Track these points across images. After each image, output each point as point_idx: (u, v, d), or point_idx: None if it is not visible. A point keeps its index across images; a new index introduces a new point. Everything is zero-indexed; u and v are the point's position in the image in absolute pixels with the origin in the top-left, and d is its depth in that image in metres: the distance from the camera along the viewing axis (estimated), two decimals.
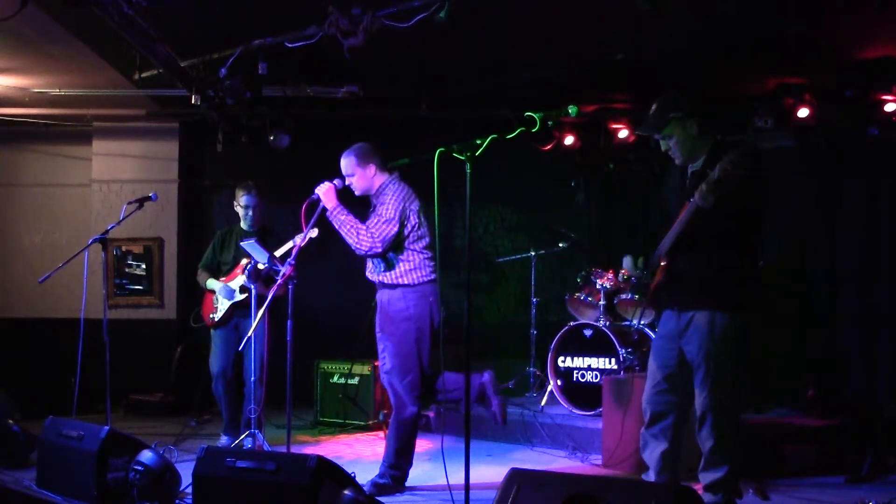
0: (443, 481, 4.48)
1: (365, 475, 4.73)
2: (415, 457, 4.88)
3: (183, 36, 5.95)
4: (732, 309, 3.84)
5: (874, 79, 6.35)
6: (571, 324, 6.44)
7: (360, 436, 6.73)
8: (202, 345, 6.58)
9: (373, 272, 4.86)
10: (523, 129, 4.05)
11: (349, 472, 3.73)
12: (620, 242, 8.13)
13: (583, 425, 5.97)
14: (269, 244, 5.53)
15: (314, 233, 5.06)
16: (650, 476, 4.04)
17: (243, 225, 6.09)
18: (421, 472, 5.01)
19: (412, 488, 4.81)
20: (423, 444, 4.93)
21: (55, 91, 7.11)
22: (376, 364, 6.84)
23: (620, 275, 6.49)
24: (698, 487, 3.83)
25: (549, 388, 6.45)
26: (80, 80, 6.94)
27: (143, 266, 8.39)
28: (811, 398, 6.07)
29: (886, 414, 5.52)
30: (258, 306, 5.23)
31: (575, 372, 6.34)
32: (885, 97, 6.36)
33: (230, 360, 5.96)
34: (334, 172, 4.87)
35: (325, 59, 5.70)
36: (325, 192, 4.74)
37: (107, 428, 4.26)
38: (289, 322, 4.72)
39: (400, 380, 4.74)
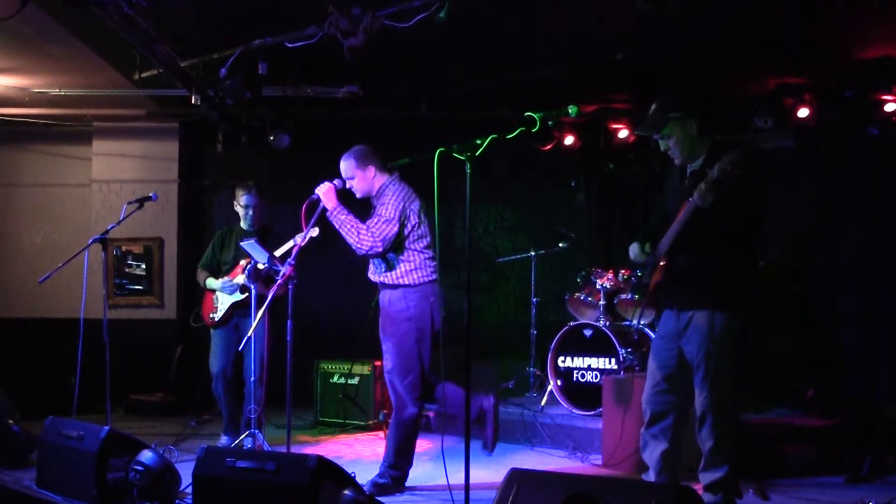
0: (443, 481, 4.48)
1: (365, 475, 4.73)
2: (415, 457, 4.88)
3: (183, 36, 5.95)
4: (732, 309, 3.84)
5: (874, 79, 6.35)
6: (571, 324, 6.44)
7: (360, 436, 6.73)
8: (202, 345, 6.57)
9: (374, 273, 4.87)
10: (523, 129, 4.05)
11: (349, 472, 3.73)
12: (620, 242, 8.11)
13: (583, 425, 5.97)
14: (269, 244, 5.53)
15: (314, 232, 5.06)
16: (650, 476, 4.05)
17: (243, 225, 6.09)
18: (421, 472, 5.01)
19: (412, 488, 4.81)
20: (423, 444, 4.94)
21: (55, 91, 7.11)
22: (376, 364, 6.90)
23: (620, 275, 6.50)
24: (698, 487, 3.83)
25: (549, 388, 6.45)
26: (80, 80, 6.94)
27: (143, 266, 8.39)
28: (811, 398, 6.07)
29: (886, 414, 5.52)
30: (258, 306, 5.23)
31: (575, 372, 6.34)
32: (885, 97, 6.36)
33: (230, 360, 5.96)
34: (334, 172, 4.87)
35: (325, 59, 5.70)
36: (325, 192, 4.75)
37: (107, 428, 4.26)
38: (289, 322, 4.72)
39: (400, 380, 4.74)
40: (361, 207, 4.89)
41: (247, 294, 5.65)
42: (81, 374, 5.28)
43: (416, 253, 4.75)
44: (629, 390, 5.30)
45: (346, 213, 4.72)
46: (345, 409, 7.00)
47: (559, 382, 6.37)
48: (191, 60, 6.16)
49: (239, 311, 5.92)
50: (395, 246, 4.73)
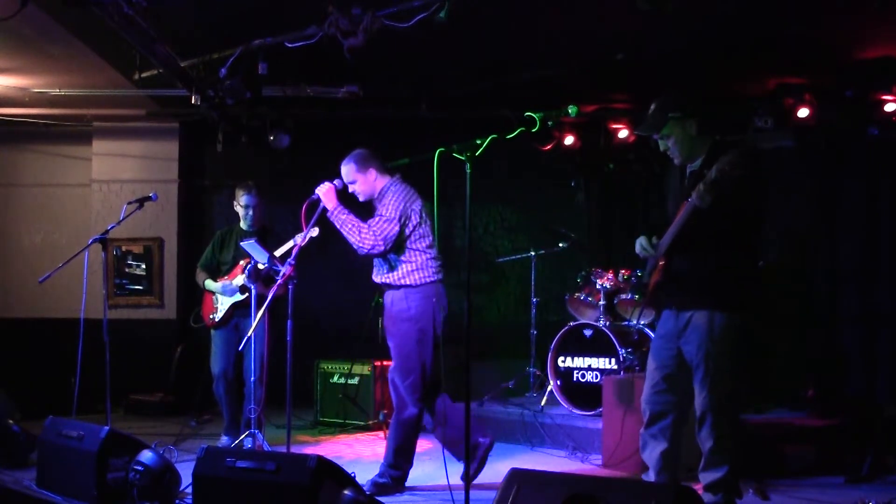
0: (443, 481, 4.48)
1: (365, 475, 4.73)
2: (415, 457, 4.87)
3: (183, 36, 5.95)
4: (731, 309, 3.84)
5: (874, 79, 6.36)
6: (571, 324, 6.44)
7: (360, 436, 6.73)
8: (202, 345, 6.58)
9: (377, 274, 4.87)
10: (523, 129, 4.05)
11: (349, 472, 3.73)
12: (620, 242, 8.14)
13: (583, 425, 5.97)
14: (269, 244, 5.53)
15: (314, 232, 5.06)
16: (650, 476, 4.04)
17: (243, 225, 6.09)
18: (421, 472, 5.01)
19: (412, 488, 4.81)
20: (423, 444, 4.93)
21: (55, 91, 7.11)
22: (376, 364, 6.91)
23: (620, 275, 6.50)
24: (698, 487, 3.83)
25: (549, 388, 6.45)
26: (80, 80, 6.94)
27: (143, 266, 8.39)
28: (811, 398, 6.07)
29: (886, 414, 5.52)
30: (258, 306, 5.23)
31: (575, 372, 6.34)
32: (885, 97, 6.36)
33: (231, 361, 5.96)
34: (334, 172, 4.87)
35: (325, 59, 5.70)
36: (325, 192, 4.75)
37: (107, 428, 4.26)
38: (289, 322, 4.72)
39: (402, 380, 4.75)
40: (362, 208, 4.89)
41: (247, 294, 5.65)
42: (81, 374, 5.28)
43: (417, 253, 4.75)
44: (629, 390, 5.30)
45: (346, 212, 4.73)
46: (345, 409, 7.00)
47: (559, 382, 6.37)
48: (191, 60, 6.16)
49: (239, 312, 5.92)
50: (396, 246, 4.73)
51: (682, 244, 3.86)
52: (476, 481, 4.65)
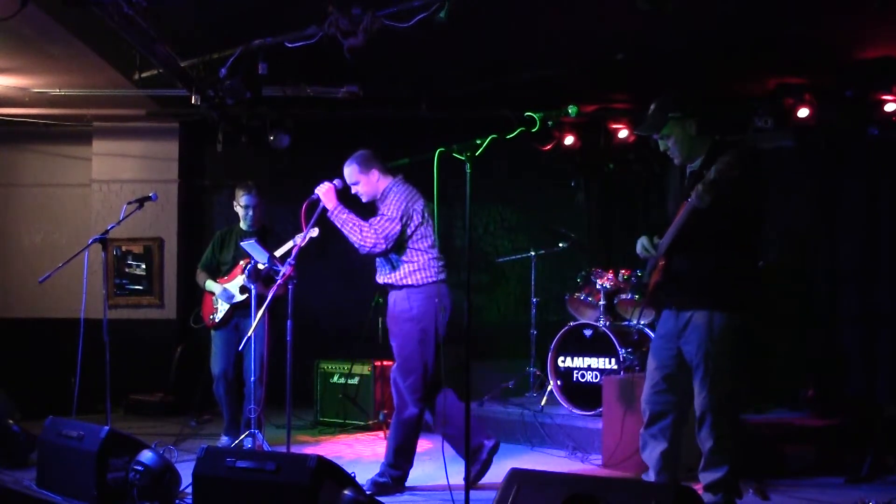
0: (443, 481, 4.48)
1: (365, 475, 4.73)
2: (415, 457, 4.87)
3: (183, 36, 5.95)
4: (731, 309, 3.84)
5: (874, 79, 6.36)
6: (571, 324, 6.44)
7: (360, 436, 6.73)
8: (202, 345, 6.58)
9: (380, 275, 4.87)
10: (523, 129, 4.05)
11: (349, 472, 3.73)
12: (620, 242, 8.14)
13: (583, 425, 5.97)
14: (269, 244, 5.53)
15: (314, 232, 5.06)
16: (650, 476, 4.04)
17: (243, 225, 6.09)
18: (421, 472, 5.01)
19: (412, 488, 4.81)
20: (423, 444, 4.93)
21: (55, 91, 7.11)
22: (376, 364, 6.90)
23: (620, 275, 6.50)
24: (698, 487, 3.83)
25: (549, 388, 6.45)
26: (80, 80, 6.94)
27: (143, 266, 8.39)
28: (811, 398, 6.07)
29: (886, 414, 5.52)
30: (258, 306, 5.23)
31: (575, 372, 6.34)
32: (885, 97, 6.36)
33: (231, 361, 5.96)
34: (334, 172, 4.87)
35: (325, 59, 5.70)
36: (324, 192, 4.75)
37: (107, 428, 4.25)
38: (289, 322, 4.72)
39: (403, 380, 4.75)
40: (363, 209, 4.89)
41: (247, 295, 5.65)
42: (81, 374, 5.28)
43: (419, 253, 4.75)
44: (629, 390, 5.29)
45: (347, 212, 4.73)
46: (345, 409, 7.00)
47: (559, 382, 6.37)
48: (191, 60, 6.16)
49: (239, 312, 5.92)
50: (398, 246, 4.73)
51: (682, 244, 3.86)
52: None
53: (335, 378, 7.10)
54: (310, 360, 7.10)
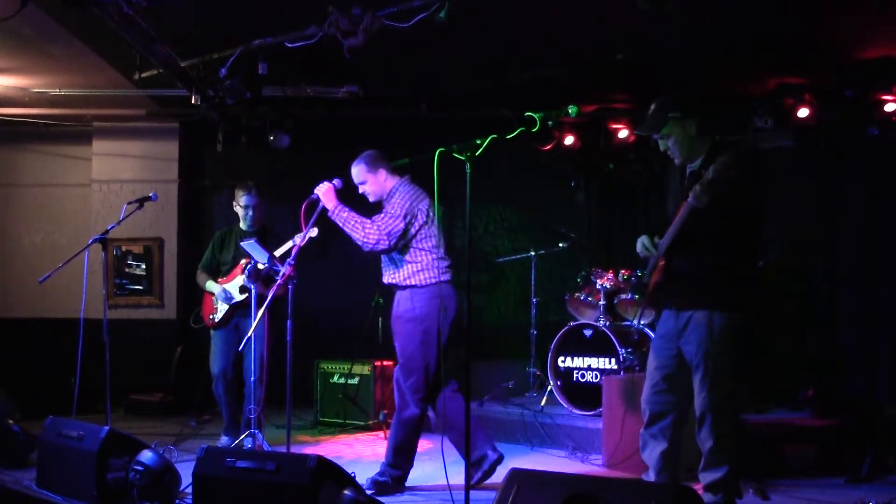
0: (443, 481, 4.48)
1: (365, 475, 4.73)
2: (415, 457, 4.87)
3: (183, 36, 5.95)
4: (731, 309, 3.84)
5: (874, 79, 6.35)
6: (571, 324, 6.44)
7: (360, 436, 6.73)
8: (202, 345, 6.57)
9: (385, 275, 4.88)
10: (523, 129, 4.05)
11: (349, 472, 3.73)
12: (620, 242, 8.13)
13: (583, 425, 5.97)
14: (269, 244, 5.53)
15: (314, 232, 5.06)
16: (650, 476, 4.04)
17: (243, 225, 6.09)
18: (421, 472, 5.01)
19: (412, 488, 4.81)
20: (423, 444, 4.93)
21: (55, 91, 7.11)
22: (376, 364, 6.90)
23: (620, 275, 6.49)
24: (698, 487, 3.83)
25: (549, 388, 6.45)
26: (80, 80, 6.94)
27: (143, 266, 8.39)
28: (811, 398, 6.06)
29: (886, 414, 5.52)
30: (258, 306, 5.23)
31: (575, 372, 6.34)
32: (885, 97, 6.36)
33: (230, 361, 5.96)
34: (334, 172, 4.87)
35: (325, 59, 5.70)
36: (324, 192, 4.75)
37: (107, 428, 4.25)
38: (289, 322, 4.72)
39: (404, 380, 4.76)
40: (365, 209, 4.89)
41: (246, 295, 5.65)
42: (81, 374, 5.28)
43: (423, 253, 4.74)
44: (629, 390, 5.29)
45: (347, 210, 4.73)
46: (345, 409, 7.00)
47: (559, 382, 6.37)
48: (191, 60, 6.16)
49: (239, 312, 5.92)
50: (402, 246, 4.73)
51: (682, 244, 3.86)
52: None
53: (335, 378, 7.10)
54: (310, 360, 7.10)
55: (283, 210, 7.27)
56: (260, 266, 5.39)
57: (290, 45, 5.49)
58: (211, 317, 6.04)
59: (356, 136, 7.89)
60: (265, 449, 5.18)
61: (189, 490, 3.94)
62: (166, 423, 6.98)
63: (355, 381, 7.01)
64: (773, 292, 6.49)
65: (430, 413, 4.87)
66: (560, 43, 6.15)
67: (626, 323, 6.52)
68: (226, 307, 5.94)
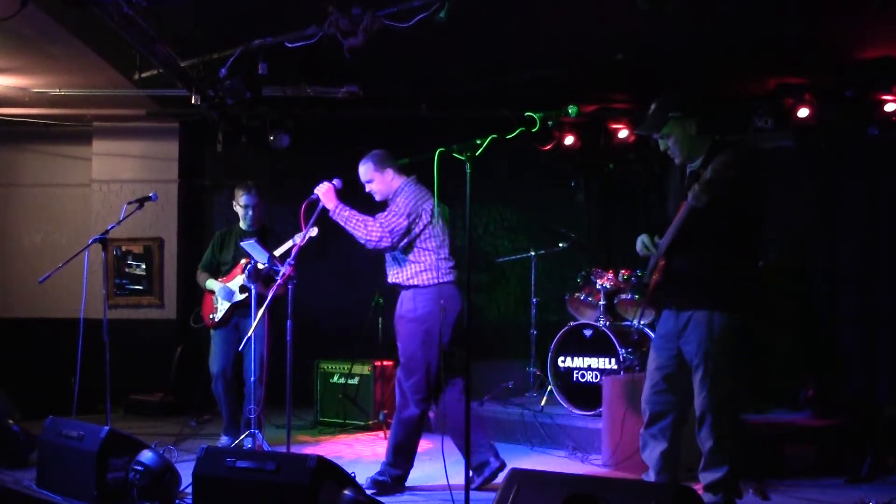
0: (443, 481, 4.48)
1: (365, 475, 4.73)
2: (415, 457, 4.87)
3: (183, 36, 5.95)
4: (731, 308, 3.84)
5: (874, 79, 6.35)
6: (571, 324, 6.44)
7: (360, 436, 6.73)
8: (202, 345, 6.57)
9: (389, 274, 4.88)
10: (523, 129, 4.05)
11: (349, 472, 3.73)
12: (620, 242, 8.13)
13: (583, 425, 5.97)
14: (269, 244, 5.53)
15: (314, 232, 5.06)
16: (650, 476, 4.04)
17: (243, 225, 6.09)
18: (421, 473, 5.01)
19: (412, 488, 4.81)
20: (423, 444, 4.93)
21: (55, 91, 7.11)
22: (376, 364, 6.90)
23: (620, 275, 6.50)
24: (698, 487, 3.83)
25: (549, 388, 6.45)
26: (80, 80, 6.94)
27: (143, 266, 8.39)
28: (811, 398, 6.06)
29: (886, 414, 5.52)
30: (258, 306, 5.23)
31: (575, 372, 6.34)
32: (885, 97, 6.36)
33: (230, 360, 5.96)
34: (334, 172, 4.87)
35: (325, 59, 5.70)
36: (324, 192, 4.75)
37: (107, 428, 4.25)
38: (289, 322, 4.72)
39: (405, 379, 4.76)
40: (364, 208, 4.89)
41: (246, 294, 5.65)
42: (81, 374, 5.28)
43: (427, 253, 4.73)
44: (629, 390, 5.29)
45: (348, 209, 4.73)
46: (345, 409, 7.00)
47: (559, 382, 6.37)
48: (191, 60, 6.16)
49: (239, 312, 5.92)
50: (406, 245, 4.73)
51: (681, 244, 3.86)
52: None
53: (335, 378, 7.10)
54: (310, 360, 7.10)
55: (283, 210, 7.27)
56: (260, 266, 5.39)
57: (290, 45, 5.49)
58: (211, 316, 6.03)
59: (356, 136, 7.89)
60: (265, 449, 5.18)
61: (189, 490, 3.94)
62: (166, 423, 6.98)
63: (355, 381, 7.01)
64: (773, 292, 6.49)
65: (430, 413, 4.88)
66: (560, 43, 6.15)
67: (626, 323, 6.52)
68: (226, 306, 5.93)
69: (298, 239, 4.97)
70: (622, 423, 5.23)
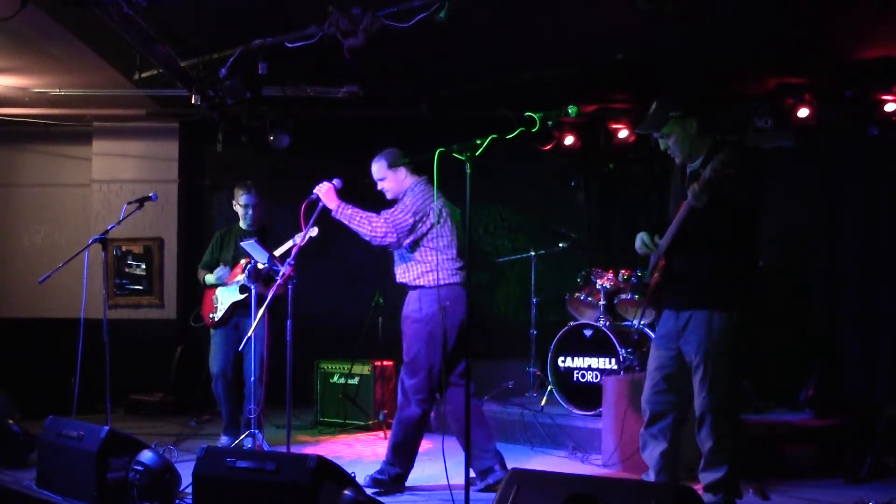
0: (443, 481, 4.48)
1: (365, 475, 4.72)
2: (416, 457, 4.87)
3: (183, 36, 5.95)
4: (730, 308, 3.84)
5: (874, 79, 6.35)
6: (571, 324, 6.44)
7: (360, 436, 6.73)
8: (202, 345, 6.57)
9: (397, 273, 4.87)
10: (523, 129, 4.04)
11: (349, 472, 3.73)
12: (620, 242, 8.12)
13: (583, 425, 5.97)
14: (269, 244, 5.53)
15: (314, 232, 5.06)
16: (650, 476, 4.04)
17: (242, 224, 6.09)
18: (421, 473, 5.00)
19: (412, 488, 4.81)
20: (423, 444, 4.92)
21: (55, 91, 7.11)
22: (376, 364, 6.90)
23: (620, 275, 6.49)
24: (698, 487, 3.83)
25: (549, 388, 6.45)
26: (80, 80, 6.94)
27: (143, 266, 8.39)
28: (811, 398, 6.06)
29: (886, 414, 5.51)
30: (258, 306, 5.23)
31: (575, 372, 6.34)
32: (885, 97, 6.36)
33: (230, 360, 5.96)
34: (334, 172, 4.87)
35: (325, 59, 5.70)
36: (324, 192, 4.74)
37: (107, 428, 4.25)
38: (289, 322, 4.72)
39: (408, 379, 4.76)
40: (365, 207, 4.88)
41: (247, 294, 5.65)
42: (81, 374, 5.27)
43: (434, 253, 4.72)
44: (629, 390, 5.29)
45: (351, 207, 4.72)
46: (345, 409, 7.00)
47: (559, 382, 6.37)
48: (191, 60, 6.16)
49: (239, 311, 5.92)
50: (412, 244, 4.72)
51: (681, 243, 3.86)
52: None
53: (335, 378, 7.10)
54: (310, 360, 7.10)
55: (283, 210, 7.25)
56: (260, 266, 5.39)
57: (290, 45, 5.49)
58: (211, 316, 6.04)
59: (356, 136, 7.90)
60: (265, 449, 5.18)
61: (189, 490, 3.94)
62: (166, 423, 6.98)
63: (355, 381, 7.01)
64: (773, 292, 6.49)
65: (431, 413, 4.88)
66: (560, 43, 6.15)
67: (626, 323, 6.52)
68: (227, 304, 5.92)
69: (299, 239, 4.97)
70: (622, 423, 5.23)
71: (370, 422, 6.85)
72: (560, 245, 7.20)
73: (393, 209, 4.72)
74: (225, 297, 5.97)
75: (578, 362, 6.32)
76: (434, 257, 4.72)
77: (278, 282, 4.87)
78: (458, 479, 4.06)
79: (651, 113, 4.04)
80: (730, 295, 3.85)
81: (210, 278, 6.03)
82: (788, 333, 6.70)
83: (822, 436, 5.48)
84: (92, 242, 5.42)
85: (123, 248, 8.35)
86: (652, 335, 5.83)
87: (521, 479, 3.09)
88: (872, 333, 6.61)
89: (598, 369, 6.21)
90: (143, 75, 6.57)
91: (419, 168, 4.85)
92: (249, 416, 5.37)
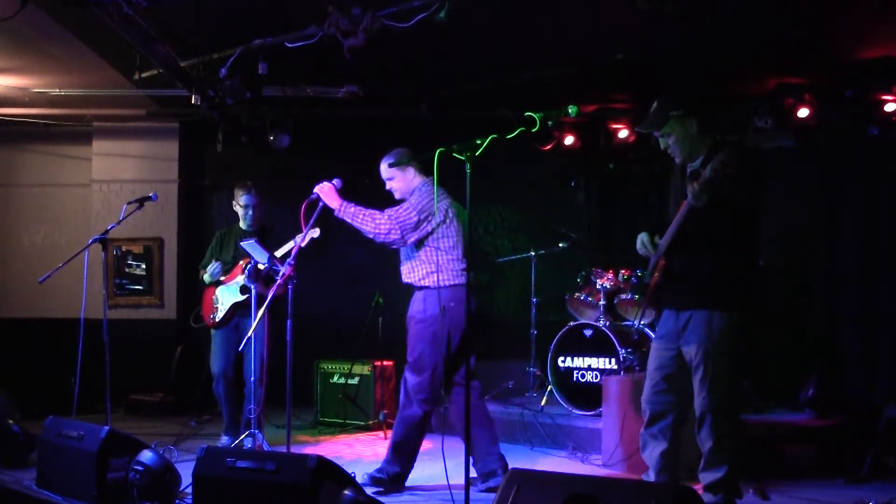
0: (443, 481, 4.48)
1: (364, 474, 4.72)
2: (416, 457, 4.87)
3: (183, 36, 5.95)
4: (730, 308, 3.84)
5: (874, 79, 6.35)
6: (571, 324, 6.44)
7: (360, 436, 6.73)
8: (202, 345, 6.57)
9: (403, 273, 4.87)
10: (523, 129, 4.04)
11: (349, 472, 3.73)
12: (620, 242, 8.12)
13: (583, 425, 5.97)
14: (269, 244, 5.53)
15: (315, 232, 5.06)
16: (650, 476, 4.04)
17: (242, 225, 6.09)
18: (421, 473, 5.00)
19: (412, 488, 4.81)
20: (423, 444, 4.93)
21: (55, 91, 7.11)
22: (376, 364, 6.90)
23: (620, 275, 6.49)
24: (698, 487, 3.83)
25: (549, 388, 6.45)
26: (80, 80, 6.94)
27: (143, 266, 8.39)
28: (811, 398, 6.07)
29: (886, 414, 5.51)
30: (258, 306, 5.23)
31: (575, 372, 6.34)
32: (885, 97, 6.36)
33: (231, 361, 5.96)
34: (334, 172, 4.87)
35: (325, 59, 5.70)
36: (325, 192, 4.73)
37: (107, 428, 4.25)
38: (289, 322, 4.71)
39: (410, 378, 4.76)
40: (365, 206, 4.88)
41: (247, 294, 5.65)
42: (81, 374, 5.27)
43: (439, 253, 4.71)
44: (629, 390, 5.29)
45: (353, 206, 4.71)
46: (345, 409, 7.00)
47: (559, 382, 6.37)
48: (191, 60, 6.16)
49: (239, 312, 5.92)
50: (417, 243, 4.72)
51: (681, 243, 3.86)
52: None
53: (335, 378, 7.10)
54: (310, 360, 7.10)
55: (283, 210, 7.25)
56: (260, 266, 5.39)
57: (290, 45, 5.49)
58: (211, 316, 6.04)
59: (356, 136, 7.90)
60: (265, 449, 5.18)
61: (189, 490, 3.94)
62: (166, 423, 6.98)
63: (355, 381, 7.01)
64: (773, 292, 6.49)
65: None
66: (560, 43, 6.15)
67: (626, 323, 6.52)
68: (228, 304, 5.92)
69: (299, 239, 4.96)
70: (622, 423, 5.23)
71: (370, 422, 6.85)
72: (560, 245, 7.20)
73: (397, 207, 4.72)
74: (226, 298, 5.97)
75: (578, 362, 6.32)
76: (439, 258, 4.72)
77: (278, 282, 4.87)
78: (459, 479, 4.06)
79: (651, 112, 4.04)
80: (730, 295, 3.85)
81: (207, 277, 6.03)
82: (788, 333, 6.70)
83: (822, 436, 5.48)
84: (92, 242, 5.42)
85: (123, 248, 8.35)
86: (652, 335, 5.83)
87: (521, 479, 3.09)
88: (872, 333, 6.61)
89: (598, 369, 6.21)
90: (143, 75, 6.57)
91: (426, 169, 4.84)
92: (249, 416, 5.37)
